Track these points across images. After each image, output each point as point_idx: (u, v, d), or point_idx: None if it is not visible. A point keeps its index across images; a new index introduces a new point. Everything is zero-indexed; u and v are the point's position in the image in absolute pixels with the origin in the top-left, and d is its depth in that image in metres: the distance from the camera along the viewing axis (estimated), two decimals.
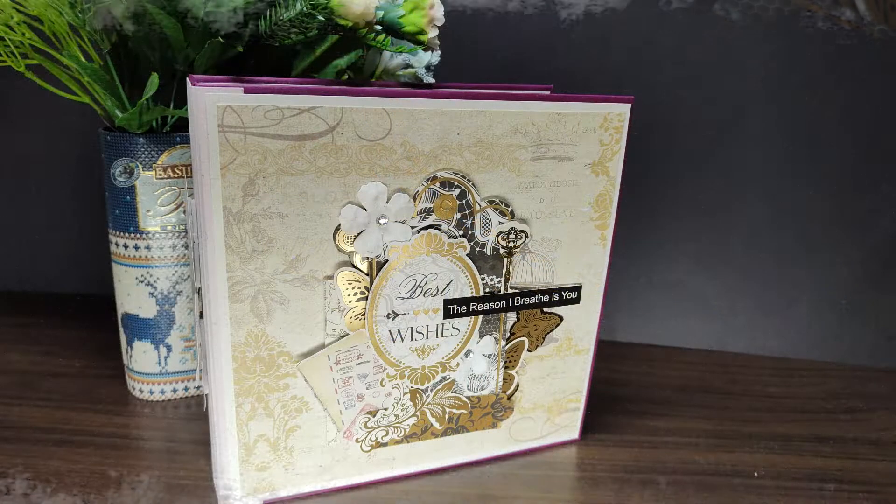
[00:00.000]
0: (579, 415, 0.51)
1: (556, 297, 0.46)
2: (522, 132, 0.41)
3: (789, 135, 0.64)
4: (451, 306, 0.43)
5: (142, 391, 0.54)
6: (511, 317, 0.45)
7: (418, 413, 0.45)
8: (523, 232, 0.43)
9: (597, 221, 0.45)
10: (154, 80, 0.45)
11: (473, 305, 0.43)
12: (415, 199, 0.40)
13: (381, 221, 0.39)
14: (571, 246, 0.45)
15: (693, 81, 0.64)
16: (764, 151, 0.65)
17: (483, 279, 0.43)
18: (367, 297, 0.41)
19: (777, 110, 0.64)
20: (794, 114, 0.64)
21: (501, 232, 0.43)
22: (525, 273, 0.44)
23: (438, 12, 0.41)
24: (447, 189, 0.40)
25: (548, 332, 0.47)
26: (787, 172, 0.65)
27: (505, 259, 0.43)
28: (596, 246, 0.46)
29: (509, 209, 0.42)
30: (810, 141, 0.64)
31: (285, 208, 0.37)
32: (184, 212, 0.51)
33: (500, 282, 0.44)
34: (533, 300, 0.45)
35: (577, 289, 0.46)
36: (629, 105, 0.43)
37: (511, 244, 0.43)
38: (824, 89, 0.63)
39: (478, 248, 0.42)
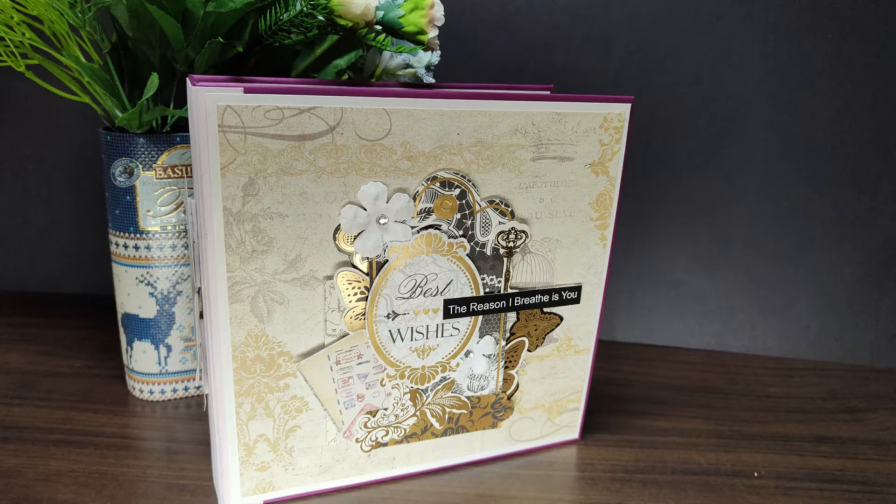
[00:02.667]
0: (579, 415, 0.51)
1: (556, 297, 0.46)
2: (522, 132, 0.41)
3: (789, 135, 0.64)
4: (451, 306, 0.43)
5: (142, 391, 0.54)
6: (511, 317, 0.45)
7: (418, 413, 0.45)
8: (523, 232, 0.43)
9: (597, 221, 0.45)
10: (154, 80, 0.45)
11: (473, 305, 0.43)
12: (415, 199, 0.40)
13: (381, 221, 0.39)
14: (571, 246, 0.45)
15: (693, 81, 0.64)
16: (764, 151, 0.65)
17: (483, 279, 0.43)
18: (367, 297, 0.41)
19: (777, 110, 0.64)
20: (795, 114, 0.64)
21: (501, 232, 0.43)
22: (525, 273, 0.44)
23: (438, 12, 0.41)
24: (447, 189, 0.40)
25: (548, 332, 0.47)
26: (787, 172, 0.65)
27: (505, 259, 0.43)
28: (596, 246, 0.46)
29: (509, 209, 0.42)
30: (810, 141, 0.64)
31: (285, 208, 0.37)
32: (184, 212, 0.51)
33: (500, 282, 0.44)
34: (533, 300, 0.45)
35: (577, 289, 0.46)
36: (629, 105, 0.43)
37: (511, 244, 0.43)
38: (824, 89, 0.63)
39: (478, 248, 0.42)
